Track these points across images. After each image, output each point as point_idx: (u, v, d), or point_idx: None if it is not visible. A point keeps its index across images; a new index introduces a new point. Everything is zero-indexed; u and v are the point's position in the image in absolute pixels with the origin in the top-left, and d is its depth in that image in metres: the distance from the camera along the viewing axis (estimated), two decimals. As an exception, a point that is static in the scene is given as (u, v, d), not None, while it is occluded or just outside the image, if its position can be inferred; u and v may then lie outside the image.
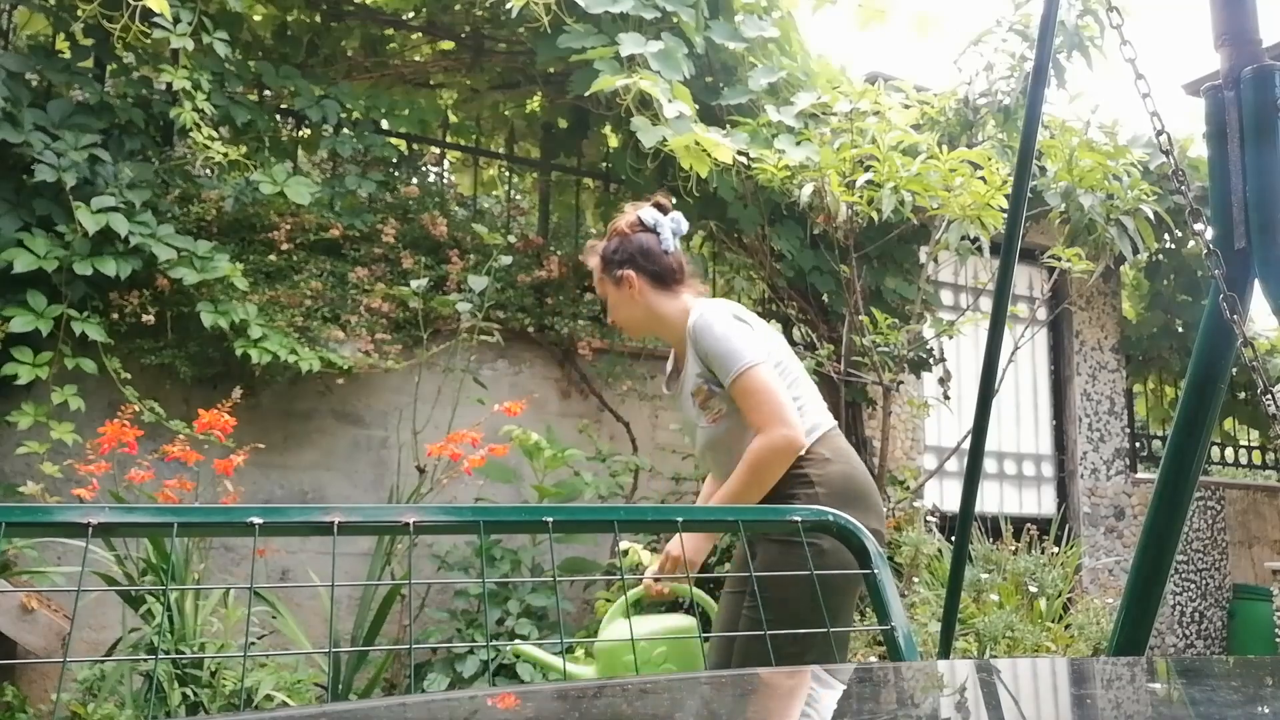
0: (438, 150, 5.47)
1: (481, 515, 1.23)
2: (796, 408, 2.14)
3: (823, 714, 0.75)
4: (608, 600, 4.15)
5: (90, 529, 1.02)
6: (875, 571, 1.25)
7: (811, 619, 1.90)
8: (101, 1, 3.64)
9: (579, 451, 4.41)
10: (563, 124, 5.35)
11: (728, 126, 4.41)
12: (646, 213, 2.36)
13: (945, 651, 1.78)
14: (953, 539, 4.95)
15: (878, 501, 2.19)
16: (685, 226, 2.40)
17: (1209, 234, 1.34)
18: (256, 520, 1.09)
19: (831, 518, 1.32)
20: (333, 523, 1.11)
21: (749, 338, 2.16)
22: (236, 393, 3.66)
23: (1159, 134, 1.40)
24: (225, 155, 3.95)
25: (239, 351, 3.83)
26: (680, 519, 1.28)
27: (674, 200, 5.22)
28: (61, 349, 3.71)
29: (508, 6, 4.17)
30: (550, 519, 1.19)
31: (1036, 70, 1.57)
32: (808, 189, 4.33)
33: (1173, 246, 6.64)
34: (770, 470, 2.10)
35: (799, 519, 1.30)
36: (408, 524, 1.14)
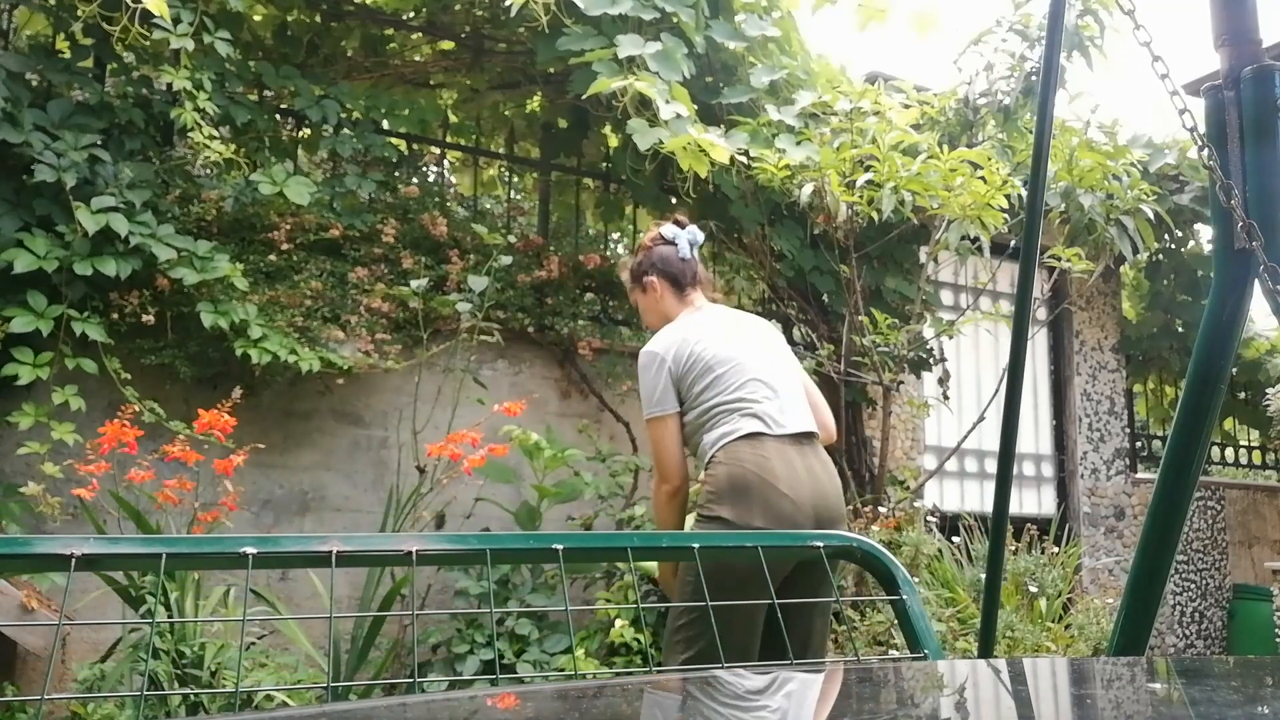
0: (438, 150, 5.47)
1: (487, 543, 1.16)
2: (711, 421, 2.51)
3: (821, 713, 0.75)
4: (608, 600, 4.15)
5: (73, 561, 0.99)
6: (904, 598, 1.21)
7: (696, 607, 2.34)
8: (101, 2, 3.64)
9: (579, 451, 4.41)
10: (563, 124, 5.35)
11: (726, 126, 4.41)
12: (667, 228, 2.79)
13: (987, 650, 1.78)
14: (954, 539, 4.95)
15: (772, 500, 2.40)
16: (701, 238, 2.82)
17: (1235, 210, 1.33)
18: (250, 550, 1.03)
19: (855, 544, 1.29)
20: (330, 552, 1.05)
21: (652, 386, 2.56)
22: (236, 393, 3.66)
23: (1181, 112, 1.40)
24: (223, 155, 3.94)
25: (239, 351, 3.83)
26: (696, 545, 1.24)
27: (674, 200, 5.24)
28: (62, 349, 3.71)
29: (506, 4, 4.17)
30: (560, 547, 1.13)
31: (1046, 70, 1.57)
32: (808, 189, 4.33)
33: (1173, 246, 6.64)
34: (661, 510, 2.57)
35: (820, 544, 1.27)
36: (409, 553, 1.09)
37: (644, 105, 4.03)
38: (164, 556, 1.04)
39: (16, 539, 1.20)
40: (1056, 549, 4.96)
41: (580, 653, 3.89)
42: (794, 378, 2.66)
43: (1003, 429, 1.65)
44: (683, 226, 2.79)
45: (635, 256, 2.81)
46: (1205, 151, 1.37)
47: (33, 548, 1.06)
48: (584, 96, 4.20)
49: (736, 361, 2.57)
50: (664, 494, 2.54)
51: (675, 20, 4.30)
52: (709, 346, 2.58)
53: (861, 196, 4.32)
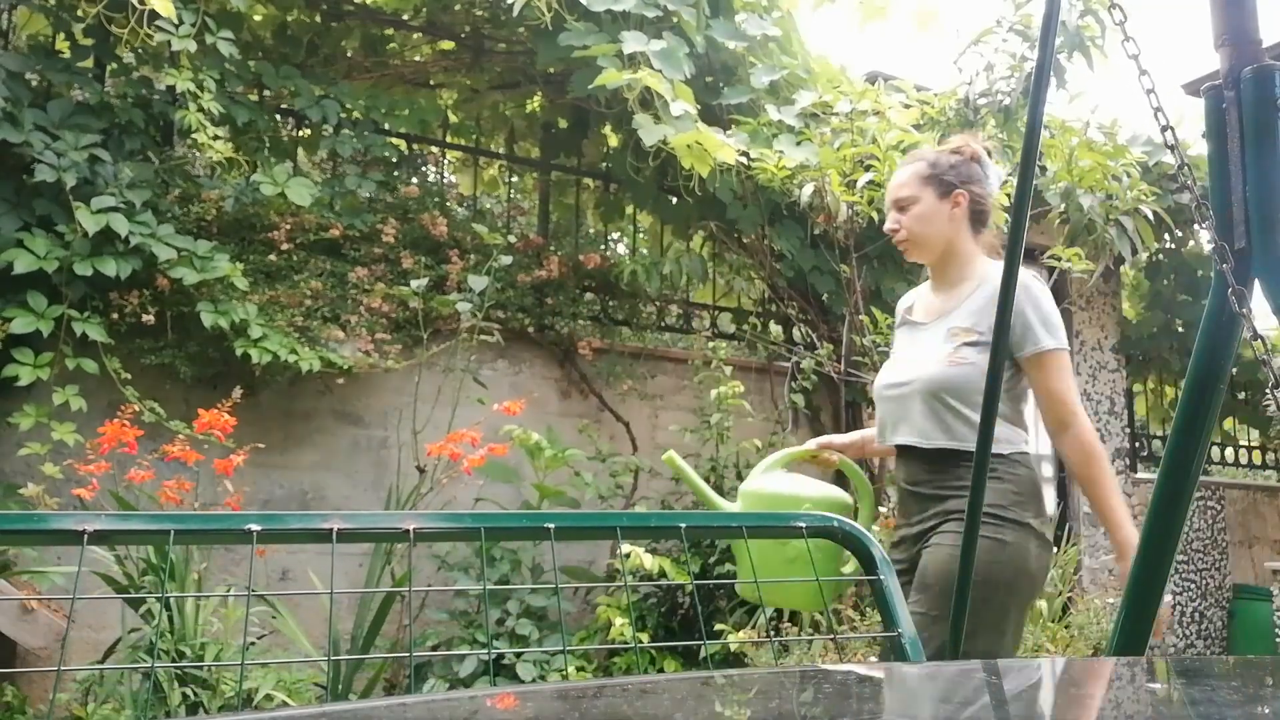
0: (438, 150, 5.47)
1: (482, 521, 1.20)
2: (1019, 414, 2.18)
3: (821, 713, 0.75)
4: (608, 603, 4.16)
5: (85, 536, 1.01)
6: (881, 578, 1.24)
7: (1007, 612, 2.03)
8: (105, 3, 3.64)
9: (579, 451, 4.41)
10: (563, 124, 5.35)
11: (731, 127, 4.41)
12: (980, 149, 2.33)
13: (956, 650, 1.78)
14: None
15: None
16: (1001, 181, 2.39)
17: (1210, 232, 1.34)
18: (254, 527, 1.07)
19: (837, 523, 1.30)
20: (332, 529, 1.08)
21: (1053, 312, 2.13)
22: (236, 393, 3.66)
23: (1164, 129, 1.39)
24: (225, 155, 3.94)
25: (239, 351, 3.83)
26: (683, 525, 1.26)
27: (674, 200, 5.23)
28: (62, 349, 3.71)
29: (507, 3, 4.17)
30: (552, 525, 1.16)
31: (1038, 72, 1.57)
32: (808, 189, 4.33)
33: (1173, 246, 6.65)
34: (1103, 467, 2.12)
35: (803, 525, 1.28)
36: (408, 530, 1.12)
37: (645, 104, 4.03)
38: (172, 532, 1.06)
39: (30, 514, 1.23)
40: (1056, 549, 4.95)
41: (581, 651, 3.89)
42: None
43: (981, 426, 1.65)
44: (990, 156, 2.35)
45: (945, 155, 2.29)
46: (1184, 168, 1.37)
47: (46, 524, 1.09)
48: (585, 95, 4.20)
49: None
50: (1096, 444, 2.10)
51: (676, 20, 4.30)
52: None
53: (862, 196, 4.32)
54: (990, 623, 1.97)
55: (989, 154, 2.34)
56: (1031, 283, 2.12)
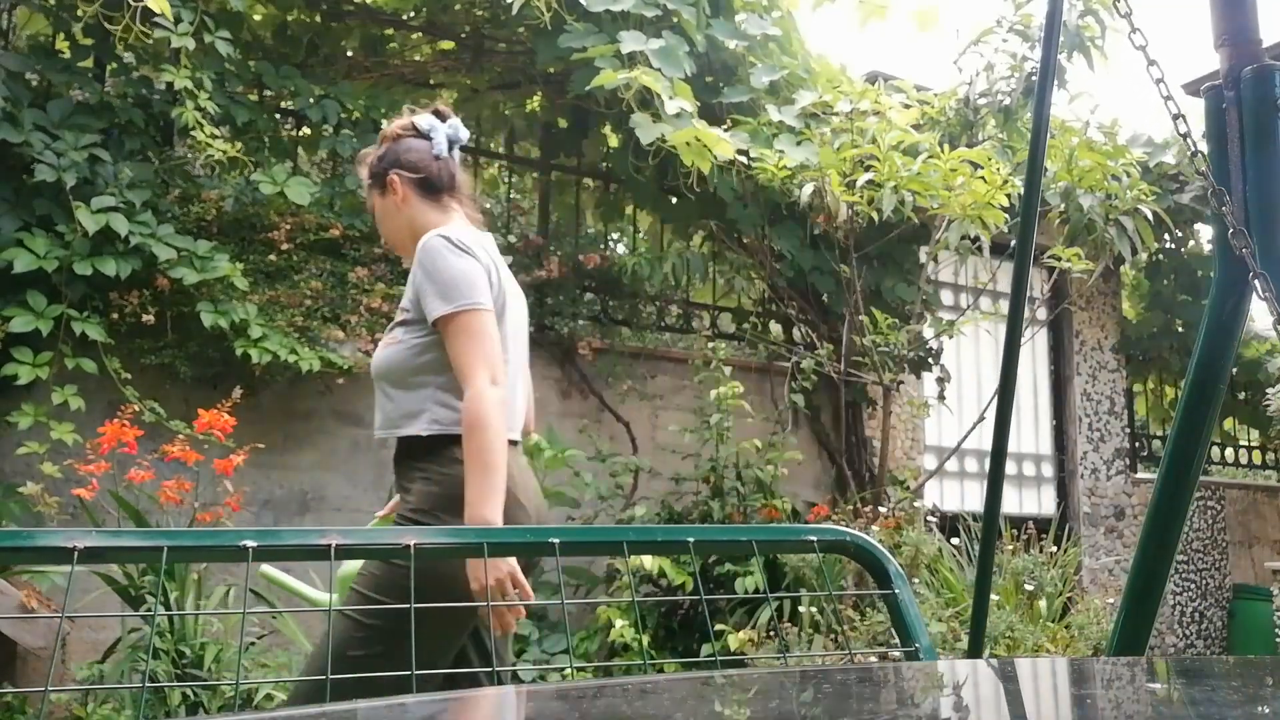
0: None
1: (485, 537, 1.19)
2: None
3: (822, 713, 0.75)
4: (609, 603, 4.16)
5: (75, 554, 0.99)
6: (896, 592, 1.22)
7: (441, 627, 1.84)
8: (102, 2, 3.64)
9: (579, 452, 4.41)
10: (563, 124, 5.35)
11: (728, 123, 4.41)
12: (421, 118, 2.14)
13: (977, 649, 1.77)
14: (954, 539, 4.94)
15: (520, 520, 1.95)
16: (465, 135, 2.20)
17: (1227, 217, 1.34)
18: (250, 544, 1.04)
19: (849, 538, 1.28)
20: (329, 545, 1.06)
21: (463, 272, 1.91)
22: (236, 393, 3.66)
23: (1176, 117, 1.40)
24: (224, 152, 3.94)
25: (239, 351, 3.83)
26: (692, 539, 1.23)
27: (674, 200, 5.23)
28: (61, 349, 3.71)
29: (507, 3, 4.17)
30: (557, 540, 1.14)
31: (1043, 74, 1.57)
32: (808, 189, 4.33)
33: (1173, 246, 6.65)
34: (497, 429, 1.83)
35: (815, 539, 1.26)
36: (408, 546, 1.10)
37: (644, 104, 4.04)
38: (165, 550, 1.04)
39: (19, 531, 1.20)
40: (1056, 548, 4.95)
41: (580, 652, 3.89)
42: (525, 358, 2.16)
43: (995, 428, 1.65)
44: (443, 118, 2.16)
45: (377, 148, 2.17)
46: (1198, 156, 1.37)
47: (35, 540, 1.07)
48: (586, 91, 4.20)
49: (516, 327, 2.06)
50: (500, 398, 1.85)
51: (676, 19, 4.30)
52: (508, 285, 2.03)
53: (862, 196, 4.33)
54: (400, 636, 1.69)
55: (440, 115, 2.16)
56: (427, 244, 1.95)
